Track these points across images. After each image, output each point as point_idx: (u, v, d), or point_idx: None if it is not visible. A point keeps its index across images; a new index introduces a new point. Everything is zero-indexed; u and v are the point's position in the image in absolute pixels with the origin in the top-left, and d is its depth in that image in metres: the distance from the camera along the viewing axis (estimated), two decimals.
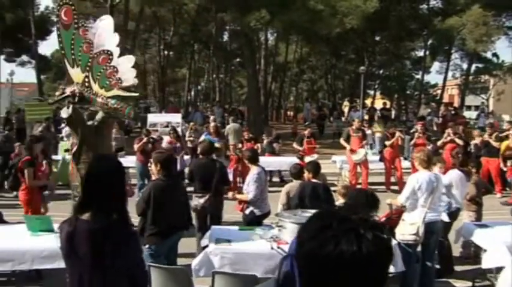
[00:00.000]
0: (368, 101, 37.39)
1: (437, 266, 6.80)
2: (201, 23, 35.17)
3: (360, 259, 1.35)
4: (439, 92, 37.52)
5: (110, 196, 2.84)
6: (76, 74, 7.27)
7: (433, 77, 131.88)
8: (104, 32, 7.81)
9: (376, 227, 1.42)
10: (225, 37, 39.40)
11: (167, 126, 17.62)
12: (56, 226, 6.08)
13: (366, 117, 25.34)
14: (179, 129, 16.56)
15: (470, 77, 35.43)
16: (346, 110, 37.90)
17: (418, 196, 6.16)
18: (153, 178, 6.02)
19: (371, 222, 1.43)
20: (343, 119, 29.30)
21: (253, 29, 22.72)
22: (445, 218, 7.00)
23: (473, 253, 7.63)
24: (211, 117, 18.36)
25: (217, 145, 9.00)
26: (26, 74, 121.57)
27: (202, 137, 13.49)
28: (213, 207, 7.38)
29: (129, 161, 12.33)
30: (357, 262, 1.36)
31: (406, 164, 13.81)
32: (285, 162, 13.80)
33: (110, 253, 2.74)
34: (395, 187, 13.47)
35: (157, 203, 5.49)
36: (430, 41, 33.24)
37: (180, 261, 6.87)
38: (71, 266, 2.88)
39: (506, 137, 13.41)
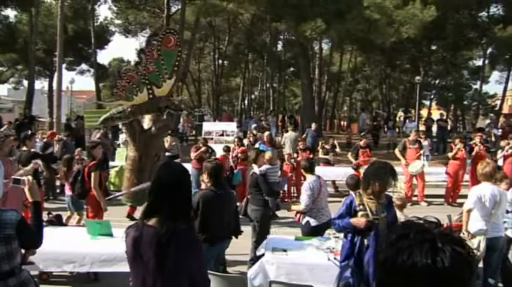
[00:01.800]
0: (423, 112, 36.62)
1: (500, 285, 6.55)
2: (255, 32, 35.47)
3: (434, 272, 1.33)
4: (498, 102, 36.31)
5: (176, 202, 2.89)
6: (165, 87, 9.18)
7: (492, 87, 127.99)
8: None
9: (457, 242, 1.38)
10: (279, 46, 39.52)
11: (222, 134, 17.81)
12: (114, 231, 6.26)
13: (422, 127, 24.82)
14: (233, 138, 16.69)
15: None
16: (401, 120, 37.27)
17: (481, 207, 5.96)
18: (203, 186, 6.04)
19: (451, 236, 1.39)
20: (397, 129, 28.80)
21: (308, 38, 22.71)
22: (511, 234, 6.75)
23: None
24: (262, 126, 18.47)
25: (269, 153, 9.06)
26: (85, 82, 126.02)
27: (256, 146, 13.56)
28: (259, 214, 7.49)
29: None
30: (431, 274, 1.33)
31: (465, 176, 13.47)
32: (339, 172, 13.71)
33: (174, 258, 2.79)
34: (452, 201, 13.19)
35: (204, 212, 5.48)
36: (489, 50, 32.24)
37: (235, 269, 6.91)
38: (135, 269, 2.94)
39: None
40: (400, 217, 5.95)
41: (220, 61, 37.75)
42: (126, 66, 10.61)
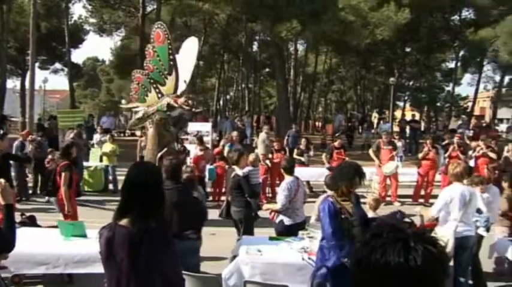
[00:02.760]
0: (397, 113, 37.06)
1: (470, 282, 6.68)
2: (231, 32, 35.45)
3: (406, 270, 1.34)
4: (470, 104, 37.00)
5: (147, 202, 2.88)
6: (169, 85, 9.45)
7: (464, 89, 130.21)
8: (185, 51, 10.12)
9: (430, 242, 1.40)
10: (255, 47, 39.58)
11: (197, 135, 17.77)
12: (88, 232, 6.21)
13: (396, 129, 25.11)
14: (209, 138, 16.68)
15: (503, 90, 34.87)
16: (375, 121, 37.64)
17: (450, 209, 6.08)
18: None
19: (424, 235, 1.41)
20: (372, 130, 29.10)
21: (283, 39, 22.79)
22: (484, 233, 6.90)
23: (508, 270, 7.48)
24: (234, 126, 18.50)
25: (252, 155, 9.15)
26: (58, 81, 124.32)
27: (226, 147, 13.66)
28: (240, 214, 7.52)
29: None
30: (403, 273, 1.34)
31: (437, 177, 13.69)
32: (314, 173, 13.79)
33: (147, 258, 2.78)
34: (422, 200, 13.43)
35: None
36: (461, 53, 32.84)
37: (208, 268, 6.91)
38: (109, 270, 2.93)
39: None
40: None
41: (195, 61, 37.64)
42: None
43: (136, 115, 10.77)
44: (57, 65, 39.11)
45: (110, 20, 34.94)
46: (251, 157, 8.59)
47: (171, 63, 9.43)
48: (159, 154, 9.42)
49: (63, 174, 8.02)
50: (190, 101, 9.78)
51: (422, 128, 28.45)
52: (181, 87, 9.92)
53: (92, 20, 35.58)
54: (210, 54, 38.43)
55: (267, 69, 42.53)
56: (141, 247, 2.78)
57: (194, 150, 13.81)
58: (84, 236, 6.27)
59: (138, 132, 20.12)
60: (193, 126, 17.02)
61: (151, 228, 2.82)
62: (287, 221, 6.94)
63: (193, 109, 10.85)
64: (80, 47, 36.54)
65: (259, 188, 9.47)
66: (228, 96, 47.61)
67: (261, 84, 44.27)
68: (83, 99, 56.73)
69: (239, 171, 7.92)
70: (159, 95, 9.84)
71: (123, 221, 2.89)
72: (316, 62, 38.29)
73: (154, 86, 9.81)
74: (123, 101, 29.03)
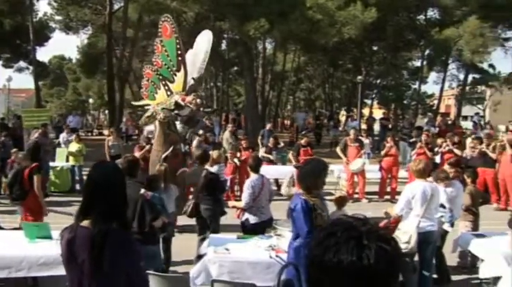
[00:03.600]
0: (365, 111, 37.47)
1: (435, 276, 6.82)
2: (199, 31, 35.23)
3: (359, 268, 1.34)
4: (435, 102, 37.64)
5: (109, 202, 2.84)
6: (178, 81, 9.16)
7: (430, 87, 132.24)
8: (198, 45, 9.82)
9: (383, 239, 1.40)
10: (223, 45, 39.45)
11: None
12: (54, 233, 6.10)
13: (364, 126, 25.42)
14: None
15: (467, 88, 35.58)
16: (343, 119, 37.98)
17: (413, 205, 6.20)
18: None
19: (378, 233, 1.42)
20: (340, 128, 29.38)
21: (252, 37, 22.81)
22: (448, 228, 7.05)
23: (470, 263, 7.65)
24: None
25: (216, 153, 9.09)
26: (23, 80, 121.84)
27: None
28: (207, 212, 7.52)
29: None
30: (356, 272, 1.35)
31: (404, 173, 13.90)
32: (282, 171, 13.83)
33: (108, 259, 2.73)
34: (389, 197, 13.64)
35: None
36: (427, 52, 33.35)
37: (179, 269, 6.90)
38: (70, 273, 2.88)
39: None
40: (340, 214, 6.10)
41: None
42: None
43: (146, 113, 10.40)
44: (22, 63, 38.15)
45: (76, 17, 34.28)
46: (215, 154, 8.58)
47: (179, 58, 9.07)
48: (164, 155, 9.16)
49: (35, 177, 7.77)
50: (198, 100, 9.45)
51: (390, 126, 28.81)
52: (189, 84, 9.60)
53: (57, 17, 34.81)
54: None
55: (236, 68, 42.47)
56: (103, 248, 2.73)
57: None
58: (50, 237, 6.15)
59: (105, 131, 19.90)
60: None
61: (112, 229, 2.78)
62: (252, 219, 6.97)
63: (202, 108, 10.57)
64: (46, 45, 35.73)
65: (225, 185, 9.51)
66: None
67: (229, 83, 44.19)
68: (49, 98, 55.67)
69: (211, 169, 7.92)
70: (168, 93, 9.46)
71: (85, 222, 2.84)
72: (284, 60, 38.42)
73: (163, 83, 9.40)
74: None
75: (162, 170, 6.95)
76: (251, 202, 6.94)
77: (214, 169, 7.95)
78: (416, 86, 37.34)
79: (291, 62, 39.82)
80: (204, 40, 10.28)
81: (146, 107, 10.68)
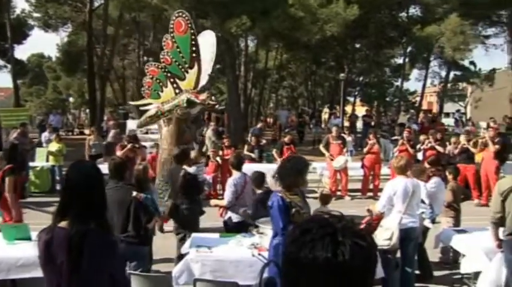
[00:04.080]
0: (348, 108, 37.61)
1: (417, 272, 6.88)
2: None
3: (334, 265, 1.35)
4: (418, 99, 37.93)
5: (87, 202, 2.80)
6: (189, 79, 8.94)
7: (412, 84, 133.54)
8: (202, 45, 9.29)
9: (358, 235, 1.41)
10: None
11: (147, 132, 17.59)
12: (33, 234, 6.03)
13: (347, 124, 25.52)
14: (158, 136, 16.51)
15: (449, 85, 35.89)
16: (326, 117, 38.09)
17: (394, 202, 6.25)
18: None
19: (353, 229, 1.42)
20: (322, 126, 29.49)
21: (233, 35, 22.78)
22: (429, 225, 7.13)
23: (452, 259, 7.74)
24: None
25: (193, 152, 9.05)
26: (2, 79, 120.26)
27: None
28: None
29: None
30: (331, 268, 1.35)
31: (386, 170, 14.00)
32: (264, 169, 13.79)
33: (88, 261, 2.70)
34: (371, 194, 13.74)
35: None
36: (409, 49, 33.58)
37: (160, 268, 6.87)
38: (48, 274, 2.84)
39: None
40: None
41: (145, 58, 37.07)
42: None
43: (147, 113, 10.08)
44: (0, 62, 37.77)
45: (56, 14, 33.88)
46: (192, 153, 8.56)
47: (194, 55, 8.84)
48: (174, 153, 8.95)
49: (6, 179, 7.50)
50: (213, 98, 9.32)
51: (373, 123, 28.99)
52: (202, 82, 9.44)
53: (36, 15, 34.44)
54: (160, 50, 37.87)
55: (218, 66, 42.30)
56: (81, 249, 2.70)
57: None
58: (29, 239, 6.07)
59: (87, 131, 19.75)
60: None
61: (90, 230, 2.75)
62: (235, 218, 6.98)
63: (217, 106, 10.44)
64: (24, 43, 35.34)
65: (205, 184, 9.48)
66: None
67: (212, 81, 44.04)
68: (29, 97, 55.01)
69: (190, 169, 7.89)
70: (177, 91, 9.26)
71: (63, 223, 2.80)
72: (266, 58, 38.42)
73: (171, 80, 9.18)
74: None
75: (141, 170, 6.88)
76: (234, 200, 6.95)
77: (192, 169, 7.93)
78: (398, 83, 37.61)
79: (273, 59, 39.83)
80: (208, 40, 10.11)
81: (144, 107, 10.52)
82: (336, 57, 36.35)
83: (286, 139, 14.72)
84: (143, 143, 14.52)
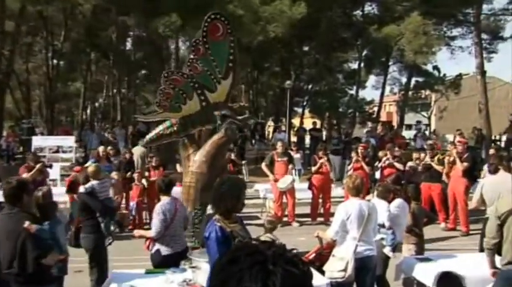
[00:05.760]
0: (295, 121, 38.03)
1: None
2: (98, 26, 34.65)
3: None
4: (375, 109, 38.65)
5: None
6: (221, 91, 8.76)
7: (369, 92, 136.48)
8: None
9: (291, 262, 1.46)
10: (128, 44, 39.00)
11: (57, 151, 17.23)
12: None
13: (294, 139, 25.80)
14: (72, 155, 16.24)
15: (410, 93, 36.84)
16: (270, 130, 38.35)
17: (348, 228, 6.36)
18: None
19: (285, 256, 1.47)
20: (266, 141, 29.69)
21: (161, 35, 22.72)
22: (389, 254, 7.28)
23: None
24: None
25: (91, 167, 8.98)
26: None
27: (89, 163, 13.32)
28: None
29: None
30: None
31: (340, 192, 14.23)
32: None
33: None
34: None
35: None
36: (364, 52, 34.23)
37: None
38: None
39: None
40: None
41: (55, 61, 36.32)
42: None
43: (159, 128, 9.64)
44: None
45: None
46: (90, 168, 8.48)
47: (230, 64, 8.67)
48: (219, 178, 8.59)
49: None
50: (247, 111, 9.18)
51: (324, 137, 29.40)
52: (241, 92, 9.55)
53: None
54: (73, 52, 37.21)
55: (144, 71, 42.06)
56: None
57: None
58: None
59: None
60: (52, 141, 16.50)
61: None
62: (165, 250, 6.92)
63: (251, 121, 10.26)
64: None
65: (112, 202, 9.38)
66: (96, 104, 46.55)
67: (136, 89, 43.67)
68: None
69: (81, 187, 7.82)
70: (204, 103, 9.06)
71: None
72: None
73: (199, 91, 9.00)
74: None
75: (40, 196, 6.69)
76: (163, 230, 6.88)
77: (86, 186, 7.86)
78: (353, 91, 38.23)
79: None
80: None
81: (150, 118, 10.34)
82: (281, 62, 36.72)
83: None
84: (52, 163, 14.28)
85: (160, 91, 9.07)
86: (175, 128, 9.06)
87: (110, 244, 7.80)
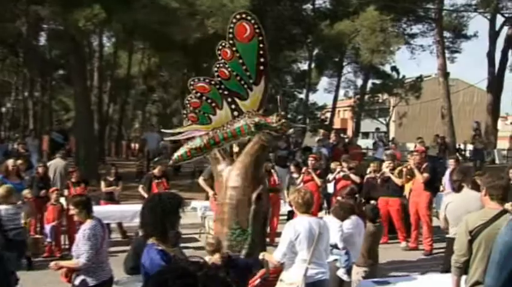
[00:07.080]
0: None
1: None
2: (5, 18, 33.97)
3: None
4: (328, 115, 38.95)
5: None
6: (253, 98, 8.67)
7: (321, 96, 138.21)
8: None
9: (223, 284, 1.53)
10: (42, 40, 38.41)
11: None
12: None
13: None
14: None
15: (366, 97, 37.26)
16: None
17: (297, 249, 6.43)
18: None
19: (216, 277, 1.54)
20: None
21: (82, 30, 22.47)
22: (344, 277, 7.39)
23: None
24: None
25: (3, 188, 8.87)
26: None
27: None
28: None
29: None
30: None
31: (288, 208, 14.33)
32: (128, 212, 13.64)
33: None
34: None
35: None
36: (316, 51, 34.54)
37: None
38: None
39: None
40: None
41: None
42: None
43: (190, 143, 9.38)
44: None
45: None
46: (2, 190, 8.37)
47: (261, 67, 8.53)
48: (256, 193, 8.54)
49: None
50: (284, 120, 8.93)
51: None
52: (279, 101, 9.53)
53: None
54: None
55: (61, 72, 41.52)
56: None
57: None
58: None
59: None
60: None
61: None
62: (91, 281, 6.79)
63: (291, 130, 10.09)
64: None
65: (21, 236, 9.24)
66: (3, 109, 45.63)
67: (52, 93, 43.04)
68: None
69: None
70: (235, 113, 8.88)
71: None
72: (129, 62, 38.17)
73: (229, 100, 8.82)
74: None
75: None
76: (93, 257, 6.71)
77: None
78: (303, 95, 38.62)
79: (139, 64, 39.71)
80: None
81: (177, 134, 10.34)
82: None
83: (156, 171, 14.68)
84: None
85: (187, 101, 9.04)
86: (205, 141, 9.01)
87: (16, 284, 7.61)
